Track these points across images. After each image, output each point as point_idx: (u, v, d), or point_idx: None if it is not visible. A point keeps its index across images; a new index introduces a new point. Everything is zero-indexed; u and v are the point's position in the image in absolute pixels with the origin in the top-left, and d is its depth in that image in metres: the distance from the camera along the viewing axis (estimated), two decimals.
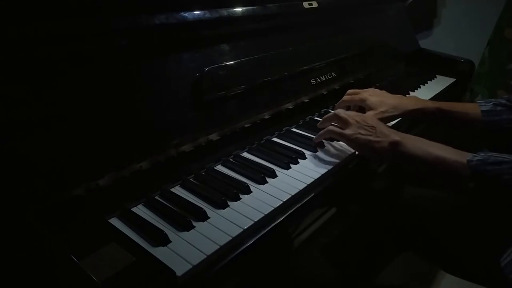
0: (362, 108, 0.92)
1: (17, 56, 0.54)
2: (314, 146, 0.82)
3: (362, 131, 0.74)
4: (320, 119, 0.98)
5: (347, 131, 0.76)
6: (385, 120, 0.87)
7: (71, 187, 0.57)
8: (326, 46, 1.07)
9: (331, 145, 0.84)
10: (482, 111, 0.91)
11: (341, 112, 0.80)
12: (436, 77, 1.39)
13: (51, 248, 0.50)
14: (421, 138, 0.72)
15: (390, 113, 0.88)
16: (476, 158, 0.62)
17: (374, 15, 1.34)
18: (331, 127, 0.80)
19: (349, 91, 0.96)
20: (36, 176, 0.53)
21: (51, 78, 0.57)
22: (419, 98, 0.96)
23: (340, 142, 0.85)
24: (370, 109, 0.89)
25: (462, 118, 0.93)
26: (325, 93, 1.05)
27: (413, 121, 1.02)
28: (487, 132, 0.91)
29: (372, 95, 0.92)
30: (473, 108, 0.92)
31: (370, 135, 0.73)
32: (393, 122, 0.93)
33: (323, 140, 0.84)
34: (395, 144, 0.70)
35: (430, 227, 0.85)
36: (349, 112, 0.80)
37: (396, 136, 0.72)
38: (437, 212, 0.87)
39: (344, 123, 0.78)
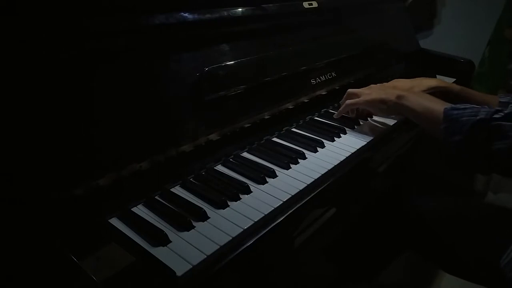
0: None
1: (18, 56, 0.54)
2: (314, 146, 0.82)
3: (375, 91, 0.87)
4: (321, 119, 0.98)
5: (362, 96, 0.87)
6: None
7: (71, 187, 0.57)
8: (326, 46, 1.07)
9: (331, 145, 0.84)
10: (500, 102, 0.89)
11: (350, 90, 0.91)
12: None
13: (51, 248, 0.50)
14: (425, 94, 0.83)
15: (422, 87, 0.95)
16: (451, 105, 0.73)
17: (374, 15, 1.34)
18: (347, 101, 0.90)
19: (349, 91, 0.94)
20: (36, 176, 0.53)
21: (50, 77, 0.57)
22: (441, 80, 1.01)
23: (340, 143, 0.85)
24: None
25: (482, 104, 0.92)
26: (325, 93, 1.05)
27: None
28: None
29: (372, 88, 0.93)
30: (492, 98, 0.93)
31: (382, 92, 0.85)
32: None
33: (324, 140, 0.84)
34: (400, 97, 0.82)
35: (430, 227, 0.85)
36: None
37: (403, 91, 0.84)
38: (437, 212, 0.87)
39: (356, 95, 0.89)
